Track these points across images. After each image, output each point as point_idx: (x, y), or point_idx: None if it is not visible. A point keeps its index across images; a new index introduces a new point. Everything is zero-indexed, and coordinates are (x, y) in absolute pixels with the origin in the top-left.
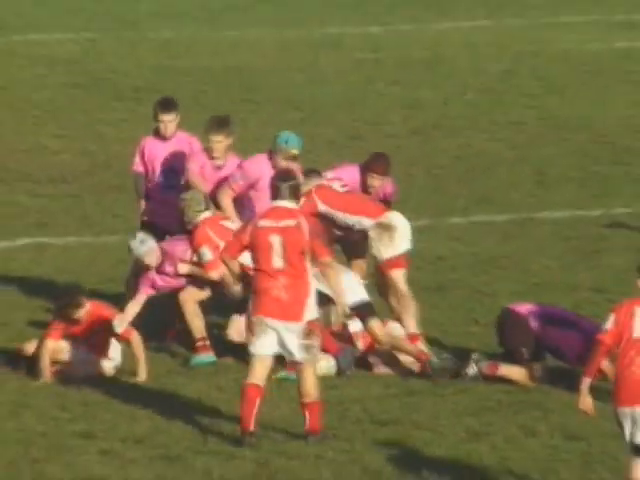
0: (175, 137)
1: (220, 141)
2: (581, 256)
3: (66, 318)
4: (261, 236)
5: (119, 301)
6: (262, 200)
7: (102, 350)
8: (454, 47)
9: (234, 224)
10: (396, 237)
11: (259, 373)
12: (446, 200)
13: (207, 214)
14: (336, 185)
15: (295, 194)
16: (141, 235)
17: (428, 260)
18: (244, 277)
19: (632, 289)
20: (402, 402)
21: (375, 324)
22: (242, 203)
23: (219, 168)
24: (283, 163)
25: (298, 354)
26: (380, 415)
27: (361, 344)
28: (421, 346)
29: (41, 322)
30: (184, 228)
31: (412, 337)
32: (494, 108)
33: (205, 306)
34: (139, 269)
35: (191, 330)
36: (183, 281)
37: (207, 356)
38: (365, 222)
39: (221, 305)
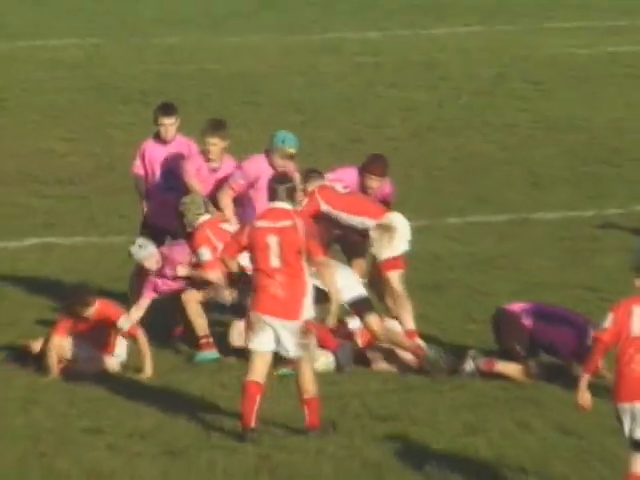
0: (175, 141)
1: (216, 144)
2: (574, 256)
3: (75, 316)
4: (259, 236)
5: (125, 300)
6: (261, 199)
7: (108, 347)
8: (449, 52)
9: (232, 227)
10: (395, 238)
11: (259, 370)
12: (443, 201)
13: (207, 217)
14: (338, 186)
15: (291, 196)
16: (141, 240)
17: (426, 259)
18: (243, 277)
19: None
20: (401, 397)
21: (372, 319)
22: (242, 203)
23: (215, 170)
24: (280, 162)
25: (293, 351)
26: (379, 410)
27: (360, 341)
28: (419, 342)
29: (49, 320)
30: (184, 229)
31: (410, 334)
32: (487, 110)
33: (207, 305)
34: (141, 269)
35: (194, 329)
36: (184, 284)
37: (210, 353)
38: (367, 222)
39: (222, 304)
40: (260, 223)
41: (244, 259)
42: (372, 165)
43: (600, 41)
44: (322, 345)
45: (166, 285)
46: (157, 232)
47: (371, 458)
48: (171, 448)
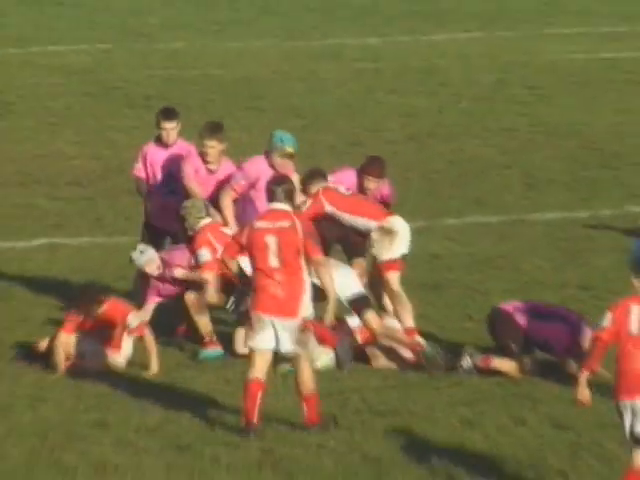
0: (176, 144)
1: (213, 146)
2: (569, 256)
3: (85, 314)
4: (258, 237)
5: (130, 299)
6: (262, 199)
7: (115, 344)
8: (449, 58)
9: (232, 231)
10: (396, 241)
11: (260, 367)
12: (441, 203)
13: (207, 220)
14: (341, 188)
15: (289, 197)
16: (141, 246)
17: (425, 259)
18: (243, 279)
19: (618, 287)
20: (400, 393)
21: (371, 316)
22: (242, 204)
23: (213, 172)
24: (279, 161)
25: (292, 349)
26: (379, 406)
27: (359, 338)
28: (418, 339)
29: (57, 319)
30: (185, 233)
31: (409, 332)
32: (487, 116)
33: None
34: (143, 274)
35: (198, 327)
36: (184, 286)
37: (214, 351)
38: (369, 224)
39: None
40: (259, 224)
41: (244, 261)
42: (370, 167)
43: (600, 47)
44: (322, 342)
45: (168, 289)
46: (158, 234)
47: (371, 452)
48: (176, 443)
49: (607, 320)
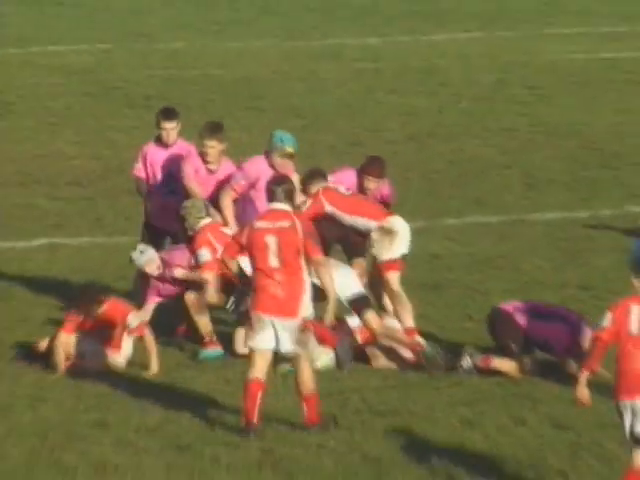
0: (176, 144)
1: (213, 146)
2: (569, 256)
3: (85, 314)
4: (258, 237)
5: (130, 299)
6: (262, 199)
7: (115, 344)
8: (449, 58)
9: (232, 231)
10: (396, 241)
11: (260, 367)
12: (441, 202)
13: (208, 220)
14: (341, 188)
15: (289, 197)
16: (141, 246)
17: (425, 259)
18: (243, 279)
19: (618, 287)
20: (400, 393)
21: (371, 316)
22: (244, 205)
23: (212, 172)
24: (279, 161)
25: (292, 349)
26: (379, 406)
27: (360, 338)
28: (418, 340)
29: (57, 319)
30: (185, 233)
31: (409, 332)
32: (487, 115)
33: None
34: (143, 274)
35: (198, 327)
36: (184, 286)
37: (214, 351)
38: (370, 224)
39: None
40: (259, 224)
41: (244, 261)
42: (370, 167)
43: (600, 47)
44: (322, 342)
45: (168, 289)
46: (158, 233)
47: (371, 452)
48: (176, 443)
49: (607, 320)
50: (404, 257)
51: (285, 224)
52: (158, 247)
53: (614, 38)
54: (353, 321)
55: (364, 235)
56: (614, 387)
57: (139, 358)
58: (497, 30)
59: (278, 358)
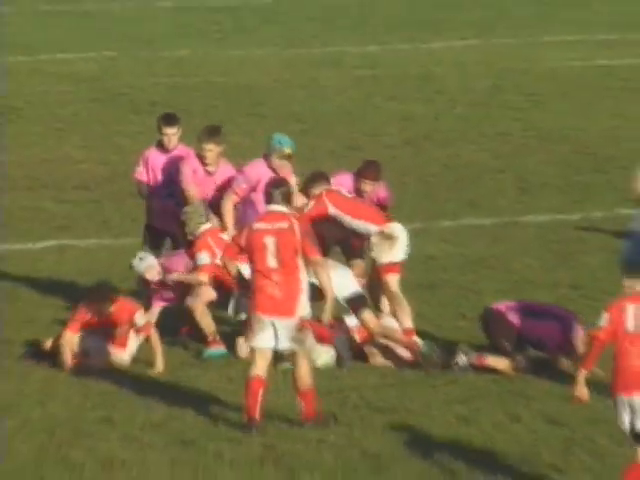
0: (176, 149)
1: (211, 149)
2: (561, 257)
3: (94, 312)
4: (256, 238)
5: (137, 297)
6: (262, 202)
7: (120, 341)
8: (445, 65)
9: (229, 235)
10: (395, 246)
11: (260, 365)
12: (437, 205)
13: (208, 226)
14: (344, 191)
15: (287, 199)
16: (141, 253)
17: (420, 260)
18: (242, 282)
19: (607, 286)
20: (397, 391)
21: (368, 316)
22: (244, 208)
23: (211, 174)
24: (278, 162)
25: (290, 346)
26: (377, 403)
27: (357, 337)
28: (415, 339)
29: (64, 319)
30: (185, 237)
31: (408, 332)
32: (482, 121)
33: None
34: (144, 281)
35: (202, 328)
36: (183, 289)
37: (218, 350)
38: (370, 228)
39: (226, 303)
40: (258, 225)
41: (243, 267)
42: (366, 170)
43: (596, 54)
44: (320, 340)
45: (170, 294)
46: (158, 235)
47: (370, 448)
48: (180, 439)
49: (604, 320)
50: (403, 262)
51: (283, 225)
52: (159, 247)
53: (610, 46)
54: (351, 320)
55: (363, 238)
56: (611, 384)
57: (144, 356)
58: (493, 38)
59: (279, 356)
